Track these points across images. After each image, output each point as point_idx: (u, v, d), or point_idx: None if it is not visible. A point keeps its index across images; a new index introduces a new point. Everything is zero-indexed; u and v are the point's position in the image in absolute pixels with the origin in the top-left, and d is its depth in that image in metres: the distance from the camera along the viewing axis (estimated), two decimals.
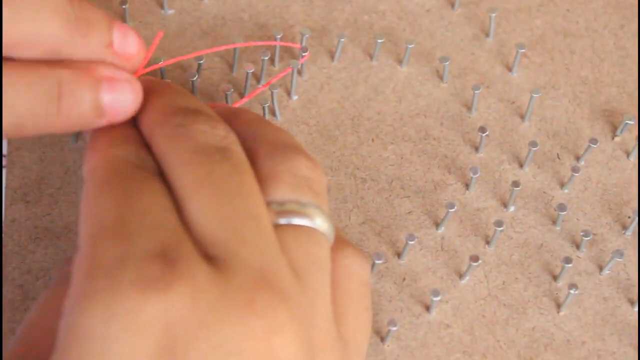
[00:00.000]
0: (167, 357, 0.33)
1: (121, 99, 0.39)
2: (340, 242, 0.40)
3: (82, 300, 0.33)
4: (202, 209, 0.36)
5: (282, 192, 0.38)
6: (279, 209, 0.38)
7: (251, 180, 0.37)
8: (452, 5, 0.54)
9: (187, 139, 0.37)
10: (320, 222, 0.38)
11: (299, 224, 0.38)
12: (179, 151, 0.37)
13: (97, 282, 0.33)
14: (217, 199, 0.36)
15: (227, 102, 0.50)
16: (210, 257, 0.35)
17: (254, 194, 0.37)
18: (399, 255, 0.48)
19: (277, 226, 0.37)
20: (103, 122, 0.39)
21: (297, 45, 0.50)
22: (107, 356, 0.32)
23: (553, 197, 0.49)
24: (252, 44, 0.49)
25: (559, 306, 0.47)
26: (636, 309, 0.47)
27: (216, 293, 0.34)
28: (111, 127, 0.39)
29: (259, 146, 0.39)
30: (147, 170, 0.37)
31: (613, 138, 0.51)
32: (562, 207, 0.48)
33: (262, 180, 0.38)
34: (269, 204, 0.38)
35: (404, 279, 0.47)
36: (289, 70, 0.50)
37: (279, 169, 0.38)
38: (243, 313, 0.34)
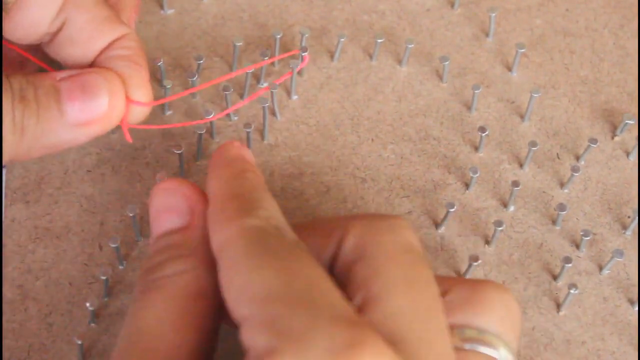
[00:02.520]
0: None
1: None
2: None
3: None
4: (400, 306, 0.36)
5: (488, 322, 0.39)
6: (470, 335, 0.39)
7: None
8: (452, 5, 0.54)
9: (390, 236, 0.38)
10: (504, 354, 0.39)
11: (484, 352, 0.39)
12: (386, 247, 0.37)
13: (287, 346, 0.32)
14: (417, 301, 0.36)
15: (226, 102, 0.49)
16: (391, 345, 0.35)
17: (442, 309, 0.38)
18: None
19: (457, 349, 0.38)
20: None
21: (297, 51, 0.50)
22: None
23: (553, 196, 0.49)
24: (259, 65, 0.50)
25: (558, 306, 0.47)
26: (636, 308, 0.47)
27: None
28: (237, 195, 0.39)
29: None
30: (289, 238, 0.37)
31: (613, 138, 0.51)
32: (562, 207, 0.48)
33: (472, 302, 0.39)
34: (459, 327, 0.39)
35: None
36: (289, 74, 0.50)
37: (494, 296, 0.39)
38: None
